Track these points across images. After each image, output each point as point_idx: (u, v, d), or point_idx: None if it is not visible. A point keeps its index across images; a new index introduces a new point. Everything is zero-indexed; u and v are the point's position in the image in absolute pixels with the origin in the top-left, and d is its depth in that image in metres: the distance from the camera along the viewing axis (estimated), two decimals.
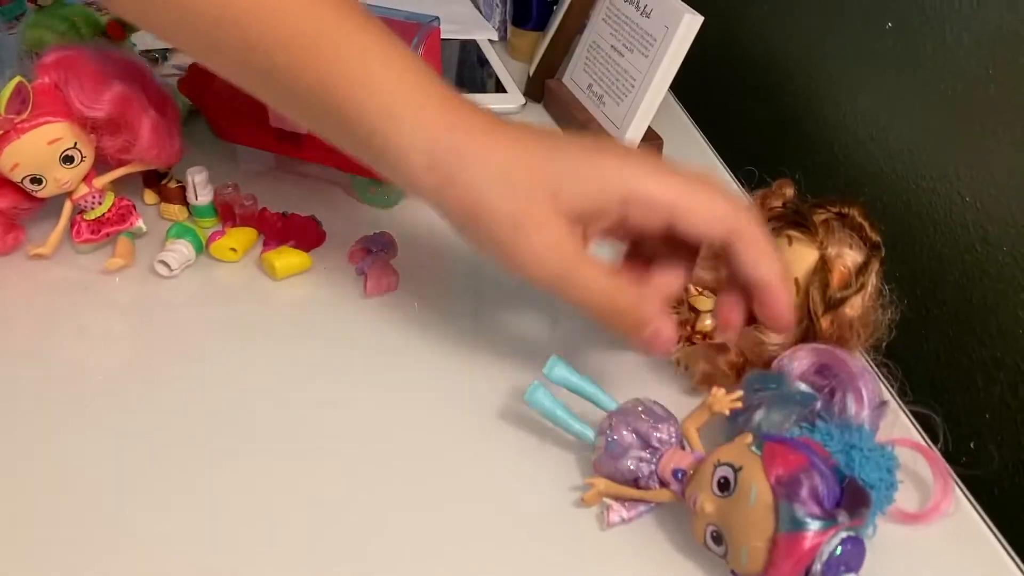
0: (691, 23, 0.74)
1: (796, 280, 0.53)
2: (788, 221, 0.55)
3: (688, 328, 0.58)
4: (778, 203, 0.56)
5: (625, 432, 0.48)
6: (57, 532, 0.48)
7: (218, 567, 0.47)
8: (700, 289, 0.59)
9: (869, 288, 0.53)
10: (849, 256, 0.53)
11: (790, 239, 0.54)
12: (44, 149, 0.62)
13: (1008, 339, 0.61)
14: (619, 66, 0.79)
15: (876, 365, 0.59)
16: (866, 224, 0.54)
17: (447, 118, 0.48)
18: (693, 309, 0.58)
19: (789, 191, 0.57)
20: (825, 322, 0.52)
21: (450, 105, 0.49)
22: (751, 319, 0.56)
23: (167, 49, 0.89)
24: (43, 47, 0.71)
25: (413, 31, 0.69)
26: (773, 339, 0.55)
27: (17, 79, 0.60)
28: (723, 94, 0.96)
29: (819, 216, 0.54)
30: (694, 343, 0.58)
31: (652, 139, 0.79)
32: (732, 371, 0.56)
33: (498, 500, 0.51)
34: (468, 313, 0.65)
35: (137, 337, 0.62)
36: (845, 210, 0.54)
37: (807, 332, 0.54)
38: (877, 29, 0.73)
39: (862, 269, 0.53)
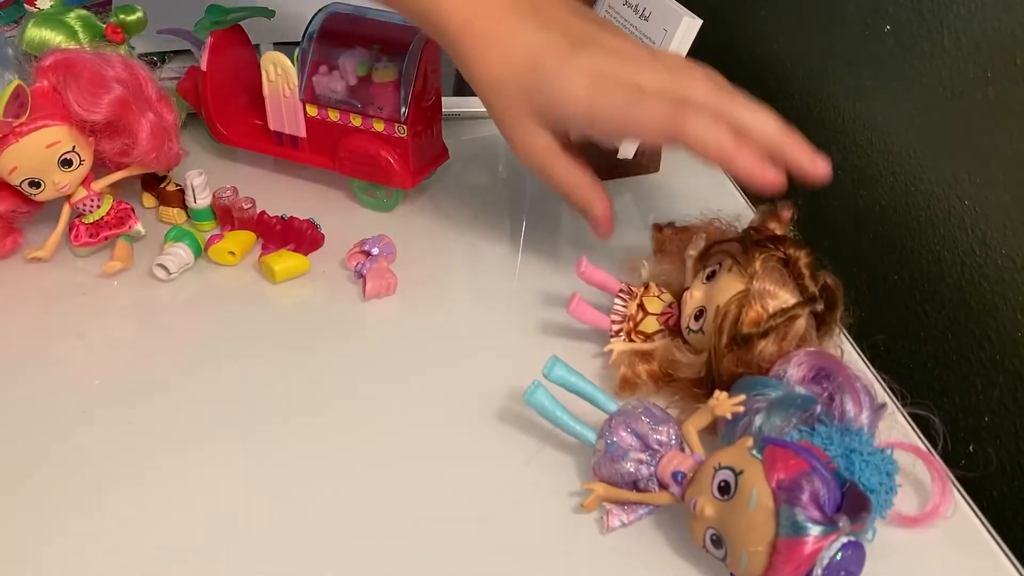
0: (690, 26, 0.73)
1: (717, 307, 0.52)
2: (741, 247, 0.53)
3: (630, 323, 0.58)
4: (775, 225, 0.56)
5: (624, 433, 0.48)
6: (55, 534, 0.48)
7: (216, 568, 0.47)
8: (662, 290, 0.58)
9: (789, 336, 0.51)
10: (776, 298, 0.51)
11: (731, 266, 0.53)
12: (42, 152, 0.62)
13: (1007, 342, 0.61)
14: None
15: (875, 368, 0.59)
16: (807, 273, 0.52)
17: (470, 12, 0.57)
18: (642, 307, 0.58)
19: (787, 214, 0.56)
20: (729, 359, 0.51)
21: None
22: (676, 329, 0.56)
23: (166, 52, 0.89)
24: (42, 50, 0.71)
25: (412, 33, 0.69)
26: (683, 359, 0.54)
27: (15, 82, 0.60)
28: None
29: (763, 253, 0.52)
30: (632, 340, 0.58)
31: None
32: (651, 380, 0.56)
33: (497, 505, 0.51)
34: (466, 315, 0.65)
35: (135, 341, 0.62)
36: (791, 253, 0.52)
37: (712, 367, 0.52)
38: (876, 32, 0.73)
39: (778, 314, 0.51)
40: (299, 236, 0.68)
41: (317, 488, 0.52)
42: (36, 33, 0.72)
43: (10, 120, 0.60)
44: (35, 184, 0.63)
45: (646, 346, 0.57)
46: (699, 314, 0.54)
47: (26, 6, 0.74)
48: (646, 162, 0.79)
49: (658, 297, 0.58)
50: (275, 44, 0.89)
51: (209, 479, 0.52)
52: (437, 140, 0.75)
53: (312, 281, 0.67)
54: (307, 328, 0.63)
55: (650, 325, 0.57)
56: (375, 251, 0.66)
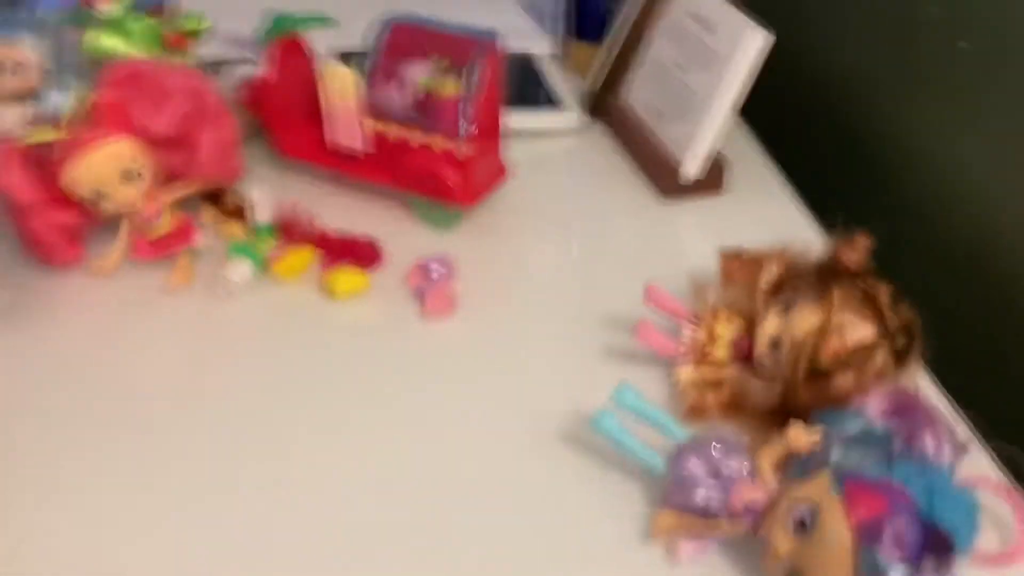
0: (759, 41, 0.72)
1: (794, 339, 0.51)
2: (817, 278, 0.52)
3: (699, 350, 0.56)
4: (850, 256, 0.54)
5: (695, 463, 0.47)
6: (109, 545, 0.48)
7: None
8: (732, 317, 0.57)
9: (868, 370, 0.50)
10: (855, 332, 0.50)
11: (808, 296, 0.52)
12: (107, 165, 0.62)
13: None
14: (682, 83, 0.77)
15: (955, 403, 0.57)
16: (888, 307, 0.50)
17: None
18: (712, 334, 0.56)
19: (863, 244, 0.54)
20: (806, 392, 0.50)
21: None
22: (746, 358, 0.54)
23: (223, 61, 0.89)
24: (105, 57, 0.71)
25: (472, 48, 0.68)
26: (756, 389, 0.53)
27: (84, 96, 0.60)
28: (788, 113, 0.93)
29: (843, 285, 0.51)
30: (701, 368, 0.56)
31: (717, 163, 0.77)
32: (720, 409, 0.55)
33: (560, 531, 0.50)
34: (528, 336, 0.64)
35: (194, 355, 0.62)
36: (871, 286, 0.51)
37: (786, 399, 0.51)
38: (949, 48, 0.70)
39: (858, 348, 0.50)
40: (359, 253, 0.67)
41: (371, 508, 0.51)
42: (100, 40, 0.72)
43: (79, 133, 0.60)
44: (99, 197, 0.63)
45: (715, 374, 0.55)
46: (774, 344, 0.52)
47: (91, 12, 0.74)
48: (709, 182, 0.77)
49: (728, 324, 0.56)
50: (333, 53, 0.89)
51: (263, 493, 0.51)
52: (498, 157, 0.74)
53: (372, 299, 0.66)
54: (367, 346, 0.63)
55: (719, 353, 0.56)
56: (435, 270, 0.65)
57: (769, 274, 0.56)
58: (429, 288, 0.64)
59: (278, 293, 0.67)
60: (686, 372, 0.56)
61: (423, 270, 0.66)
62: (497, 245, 0.73)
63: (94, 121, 0.61)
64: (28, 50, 0.69)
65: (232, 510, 0.51)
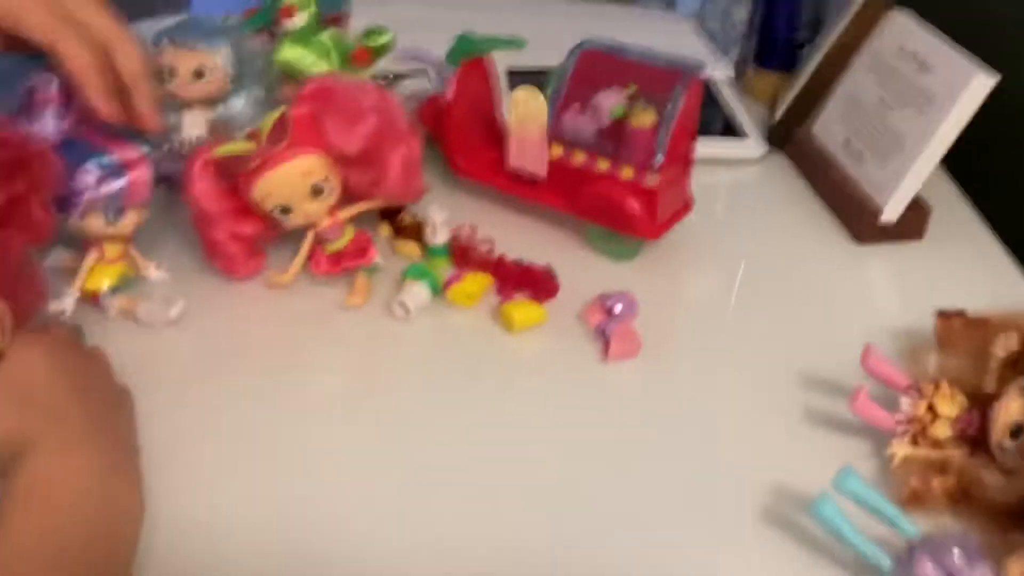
0: (981, 84, 0.66)
1: None
2: None
3: (918, 425, 0.51)
4: None
5: (930, 566, 0.42)
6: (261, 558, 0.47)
7: None
8: (955, 391, 0.52)
9: None
10: None
11: None
12: (296, 180, 0.60)
13: None
14: (886, 122, 0.72)
15: None
16: None
17: None
18: (932, 408, 0.51)
19: None
20: None
21: None
22: (974, 439, 0.49)
23: (398, 76, 0.87)
24: (295, 70, 0.70)
25: (677, 75, 0.65)
26: (992, 481, 0.48)
27: (281, 109, 0.59)
28: (996, 159, 0.86)
29: None
30: (918, 445, 0.51)
31: (919, 208, 0.71)
32: (945, 498, 0.50)
33: None
34: (718, 389, 0.60)
35: (363, 374, 0.61)
36: None
37: None
38: None
39: None
40: (536, 283, 0.65)
41: (526, 560, 0.48)
42: (291, 52, 0.71)
43: (270, 147, 0.59)
44: (285, 211, 0.62)
45: (936, 454, 0.50)
46: (1016, 432, 0.47)
47: (280, 23, 0.73)
48: (908, 228, 0.72)
49: (951, 400, 0.51)
50: (514, 73, 0.86)
51: (418, 519, 0.50)
52: (684, 190, 0.71)
53: (547, 333, 0.63)
54: (542, 384, 0.60)
55: (941, 430, 0.51)
56: (618, 309, 0.62)
57: (1007, 345, 0.51)
58: (613, 329, 0.61)
59: (451, 318, 0.64)
60: (902, 449, 0.51)
61: (604, 307, 0.63)
62: (675, 281, 0.69)
63: (286, 135, 0.59)
64: (214, 56, 0.68)
65: (388, 531, 0.49)
